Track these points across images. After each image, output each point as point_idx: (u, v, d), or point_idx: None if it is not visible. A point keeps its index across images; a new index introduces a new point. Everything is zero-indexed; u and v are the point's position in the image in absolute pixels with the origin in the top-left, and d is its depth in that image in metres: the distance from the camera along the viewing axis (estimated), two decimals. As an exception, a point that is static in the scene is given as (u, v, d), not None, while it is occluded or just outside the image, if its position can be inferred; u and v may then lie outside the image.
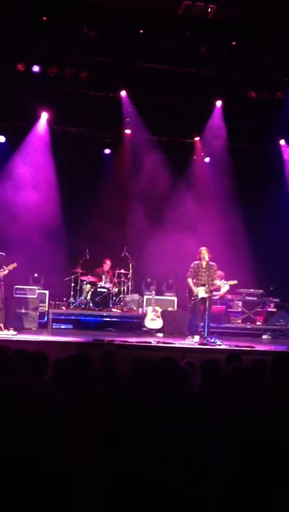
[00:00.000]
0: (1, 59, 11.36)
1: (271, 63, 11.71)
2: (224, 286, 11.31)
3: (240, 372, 3.47)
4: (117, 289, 12.74)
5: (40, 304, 12.14)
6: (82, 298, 12.50)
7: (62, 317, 12.18)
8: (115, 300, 12.66)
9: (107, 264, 12.84)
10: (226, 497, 1.09)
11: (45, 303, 12.51)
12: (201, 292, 10.44)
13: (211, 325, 10.65)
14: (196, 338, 10.32)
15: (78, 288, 12.59)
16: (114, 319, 12.38)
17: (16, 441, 1.03)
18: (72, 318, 12.30)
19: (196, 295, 10.47)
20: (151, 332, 11.77)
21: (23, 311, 11.55)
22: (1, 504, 0.97)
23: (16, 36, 11.05)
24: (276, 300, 13.12)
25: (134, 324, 12.23)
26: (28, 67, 11.66)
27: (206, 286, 10.39)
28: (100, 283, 12.56)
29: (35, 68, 11.70)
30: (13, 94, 11.58)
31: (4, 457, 0.99)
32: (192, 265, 10.67)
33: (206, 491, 1.09)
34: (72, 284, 12.56)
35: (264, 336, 12.15)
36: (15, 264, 10.54)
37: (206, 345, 9.84)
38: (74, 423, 1.28)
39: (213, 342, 9.88)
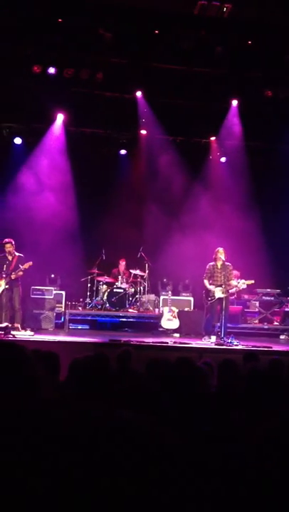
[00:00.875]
0: (17, 61, 11.46)
1: (287, 62, 11.64)
2: (241, 285, 11.25)
3: (257, 373, 3.45)
4: (133, 290, 12.75)
5: (57, 305, 12.20)
6: (99, 298, 12.53)
7: (79, 317, 12.23)
8: (131, 300, 12.67)
9: (122, 265, 12.87)
10: (238, 498, 1.09)
11: (61, 303, 12.56)
12: (217, 293, 10.42)
13: (228, 325, 10.62)
14: (213, 338, 10.30)
15: (95, 288, 12.63)
16: (131, 320, 12.39)
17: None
18: (89, 318, 12.34)
19: (213, 296, 10.45)
20: (167, 332, 11.76)
21: (40, 311, 11.62)
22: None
23: (31, 38, 11.14)
24: (293, 300, 13.03)
25: (151, 324, 12.23)
26: (44, 68, 11.74)
27: (223, 286, 10.37)
28: (117, 283, 12.59)
29: (51, 70, 11.78)
30: (29, 96, 11.66)
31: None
32: (207, 266, 10.67)
33: (218, 491, 1.09)
34: (89, 285, 12.60)
35: (281, 336, 12.08)
36: (30, 263, 10.57)
37: (222, 345, 9.81)
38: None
39: (230, 342, 9.84)
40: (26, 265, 10.53)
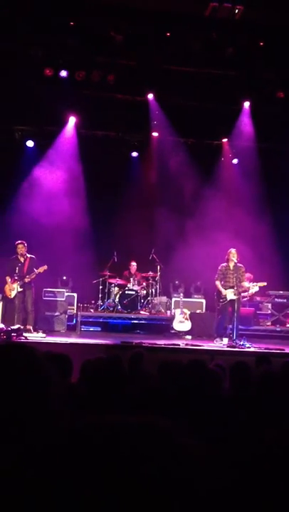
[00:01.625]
0: (28, 64, 11.52)
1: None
2: (253, 287, 11.22)
3: (269, 375, 3.43)
4: (145, 292, 12.74)
5: (69, 307, 12.22)
6: (111, 300, 12.54)
7: (91, 320, 12.24)
8: (143, 302, 12.66)
9: (133, 266, 12.86)
10: (246, 501, 1.08)
11: (73, 305, 12.59)
12: (229, 294, 10.39)
13: (240, 327, 10.59)
14: (225, 340, 10.27)
15: (106, 290, 12.63)
16: (143, 322, 12.38)
17: None
18: (101, 320, 12.34)
19: (225, 297, 10.42)
20: (179, 334, 11.75)
21: (52, 313, 11.66)
22: None
23: (43, 41, 11.21)
24: (306, 302, 12.94)
25: (163, 327, 12.22)
26: (55, 71, 11.80)
27: (235, 288, 10.33)
28: (128, 285, 12.59)
29: (63, 73, 11.83)
30: (41, 99, 11.71)
31: None
32: (220, 267, 10.63)
33: (228, 493, 1.08)
34: (101, 287, 12.61)
35: (294, 339, 12.00)
36: (45, 267, 10.62)
37: (234, 347, 9.77)
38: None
39: (242, 344, 9.80)
40: (41, 269, 10.58)
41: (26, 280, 10.58)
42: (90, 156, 13.26)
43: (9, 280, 10.74)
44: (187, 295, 12.97)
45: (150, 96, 12.71)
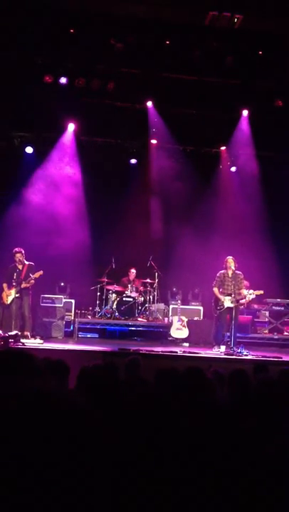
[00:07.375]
0: (28, 71, 11.57)
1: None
2: (250, 296, 11.21)
3: (267, 383, 3.43)
4: (142, 299, 12.73)
5: (67, 313, 12.21)
6: (108, 307, 12.52)
7: (88, 326, 12.22)
8: (141, 309, 12.65)
9: (132, 273, 12.86)
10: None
11: (71, 312, 12.57)
12: (226, 302, 10.39)
13: (238, 335, 10.58)
14: (222, 348, 10.26)
15: (104, 297, 12.62)
16: (140, 329, 12.37)
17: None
18: (98, 327, 12.32)
19: (222, 304, 10.42)
20: (176, 342, 11.74)
21: (50, 319, 11.64)
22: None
23: (43, 48, 11.26)
24: (304, 310, 12.94)
25: (160, 334, 12.20)
26: (55, 78, 11.84)
27: (232, 295, 10.34)
28: (126, 292, 12.58)
29: (63, 80, 11.87)
30: (41, 106, 11.75)
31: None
32: (218, 275, 10.63)
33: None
34: (98, 293, 12.60)
35: (291, 347, 11.99)
36: (41, 272, 10.62)
37: (232, 355, 9.76)
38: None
39: (240, 352, 9.79)
40: (37, 274, 10.58)
41: (23, 286, 10.58)
42: (89, 162, 13.30)
43: (6, 287, 10.75)
44: (185, 302, 12.96)
45: (149, 104, 12.76)
